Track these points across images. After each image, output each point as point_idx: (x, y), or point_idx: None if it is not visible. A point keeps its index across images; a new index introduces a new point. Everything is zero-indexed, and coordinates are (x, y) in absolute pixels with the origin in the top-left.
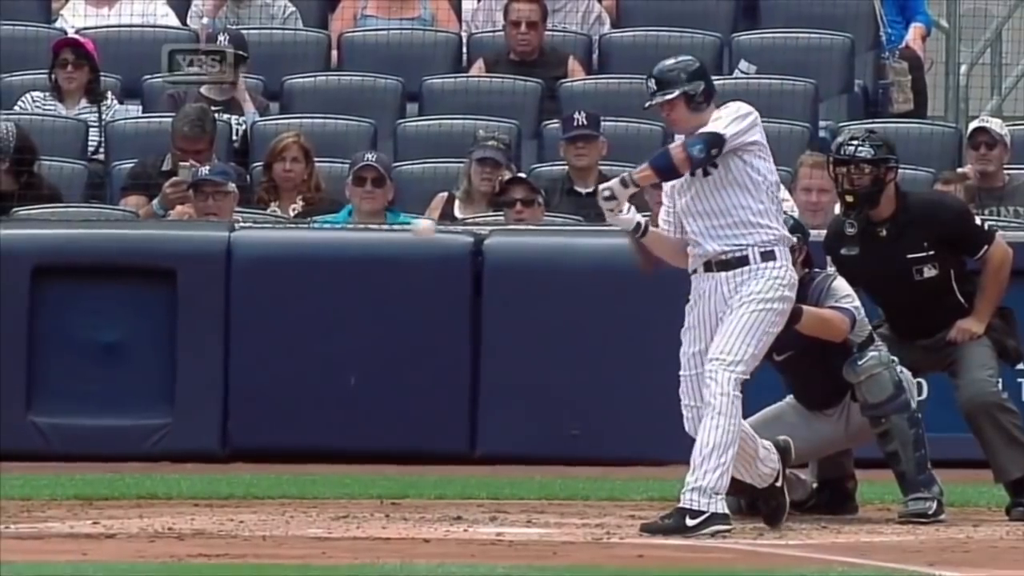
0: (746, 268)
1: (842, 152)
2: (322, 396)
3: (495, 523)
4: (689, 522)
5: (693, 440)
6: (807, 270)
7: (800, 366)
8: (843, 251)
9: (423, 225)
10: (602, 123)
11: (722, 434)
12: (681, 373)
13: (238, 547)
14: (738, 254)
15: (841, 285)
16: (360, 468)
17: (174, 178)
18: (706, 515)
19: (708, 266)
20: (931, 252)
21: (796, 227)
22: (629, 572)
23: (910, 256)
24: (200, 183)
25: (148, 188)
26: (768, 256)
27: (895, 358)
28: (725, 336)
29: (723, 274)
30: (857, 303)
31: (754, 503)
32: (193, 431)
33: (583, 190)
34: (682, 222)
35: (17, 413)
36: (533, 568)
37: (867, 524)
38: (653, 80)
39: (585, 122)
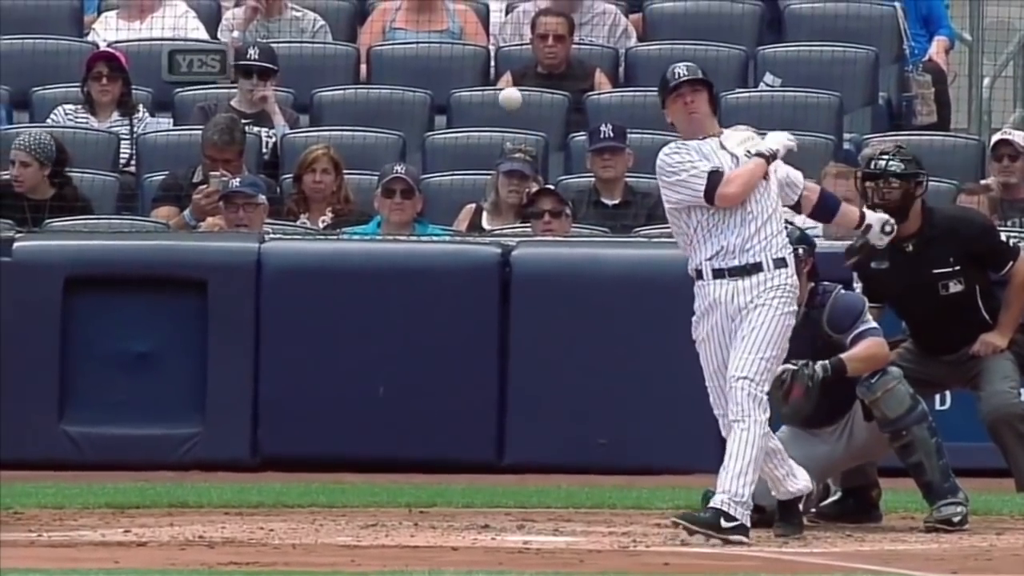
0: (760, 275)
1: (872, 166)
2: (351, 405)
3: (522, 531)
4: (724, 523)
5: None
6: (812, 283)
7: None
8: (873, 265)
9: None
10: (628, 135)
11: (756, 451)
12: (707, 384)
13: (268, 555)
14: (752, 260)
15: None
16: (389, 477)
17: (204, 186)
18: (738, 523)
19: (719, 273)
20: (957, 267)
21: (802, 239)
22: None
23: (936, 271)
24: (231, 195)
25: (179, 200)
26: (780, 263)
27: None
28: (747, 352)
29: (740, 282)
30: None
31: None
32: (223, 440)
33: (609, 202)
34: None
35: (49, 422)
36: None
37: (891, 532)
38: (684, 67)
39: (611, 134)
